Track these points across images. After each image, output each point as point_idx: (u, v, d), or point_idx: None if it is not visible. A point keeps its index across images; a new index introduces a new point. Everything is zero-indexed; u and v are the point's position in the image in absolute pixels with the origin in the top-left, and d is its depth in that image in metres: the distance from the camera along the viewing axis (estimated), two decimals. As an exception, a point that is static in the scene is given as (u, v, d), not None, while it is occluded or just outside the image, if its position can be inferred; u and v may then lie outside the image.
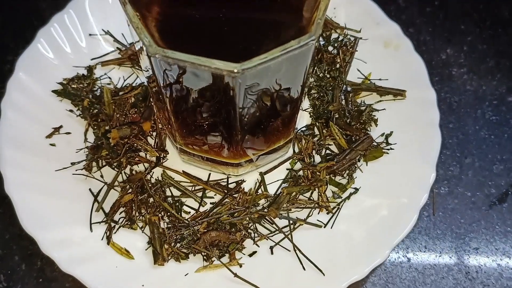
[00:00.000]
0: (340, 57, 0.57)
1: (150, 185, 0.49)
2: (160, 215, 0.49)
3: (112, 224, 0.48)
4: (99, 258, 0.46)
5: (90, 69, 0.56)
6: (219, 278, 0.46)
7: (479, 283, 0.49)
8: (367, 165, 0.52)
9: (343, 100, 0.55)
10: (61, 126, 0.53)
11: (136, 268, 0.46)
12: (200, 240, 0.46)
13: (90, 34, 0.58)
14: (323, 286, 0.45)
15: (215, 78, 0.39)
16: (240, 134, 0.46)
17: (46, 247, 0.45)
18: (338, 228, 0.49)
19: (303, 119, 0.55)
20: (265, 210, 0.48)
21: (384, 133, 0.53)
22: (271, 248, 0.48)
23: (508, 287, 0.49)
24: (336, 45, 0.58)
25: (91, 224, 0.48)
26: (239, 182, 0.51)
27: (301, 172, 0.51)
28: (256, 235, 0.48)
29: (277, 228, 0.48)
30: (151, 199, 0.49)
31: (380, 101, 0.55)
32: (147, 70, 0.46)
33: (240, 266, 0.46)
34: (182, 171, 0.51)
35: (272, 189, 0.51)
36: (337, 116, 0.54)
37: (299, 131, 0.54)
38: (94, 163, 0.51)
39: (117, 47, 0.58)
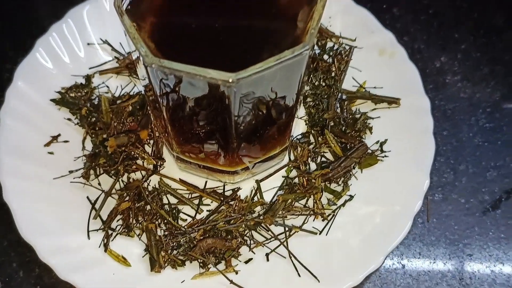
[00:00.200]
0: (335, 65, 0.57)
1: (147, 192, 0.50)
2: (157, 222, 0.49)
3: (110, 232, 0.48)
4: (96, 265, 0.46)
5: (88, 78, 0.57)
6: (216, 285, 0.46)
7: (473, 289, 0.50)
8: (362, 173, 0.53)
9: (338, 108, 0.56)
10: (59, 135, 0.53)
11: (133, 275, 0.46)
12: (196, 247, 0.47)
13: (88, 44, 0.59)
14: (319, 292, 0.45)
15: (210, 87, 0.39)
16: (236, 142, 0.47)
17: (43, 254, 0.46)
18: (333, 235, 0.49)
19: (299, 127, 0.55)
20: (261, 217, 0.49)
21: (378, 140, 0.54)
22: (267, 255, 0.48)
23: (501, 293, 0.50)
24: (331, 53, 0.59)
25: (88, 231, 0.48)
26: (235, 189, 0.51)
27: (296, 180, 0.52)
28: (252, 242, 0.48)
29: (272, 235, 0.49)
30: (148, 207, 0.50)
31: (375, 109, 0.56)
32: (144, 79, 0.46)
33: (236, 273, 0.47)
34: (179, 178, 0.52)
35: (268, 197, 0.51)
36: (332, 124, 0.55)
37: (295, 139, 0.54)
38: (91, 171, 0.51)
39: (115, 56, 0.58)
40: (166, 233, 0.49)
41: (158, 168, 0.52)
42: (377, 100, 0.56)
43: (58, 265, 0.45)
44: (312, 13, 0.43)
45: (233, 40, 0.44)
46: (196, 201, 0.51)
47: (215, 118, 0.44)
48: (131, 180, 0.51)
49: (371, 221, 0.49)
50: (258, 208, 0.50)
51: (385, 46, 0.59)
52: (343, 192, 0.51)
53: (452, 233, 0.53)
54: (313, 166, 0.53)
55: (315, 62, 0.58)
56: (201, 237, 0.47)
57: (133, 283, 0.46)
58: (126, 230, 0.49)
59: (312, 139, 0.55)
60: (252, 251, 0.48)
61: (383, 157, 0.53)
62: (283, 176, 0.53)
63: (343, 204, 0.51)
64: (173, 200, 0.51)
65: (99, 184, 0.51)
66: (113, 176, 0.51)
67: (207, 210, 0.50)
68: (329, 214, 0.50)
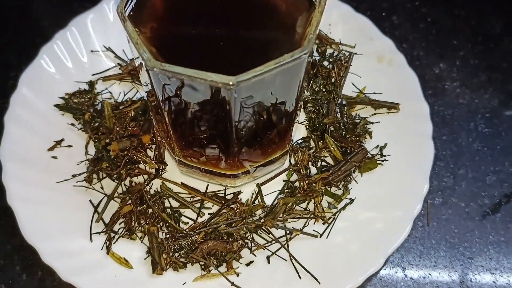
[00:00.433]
0: (335, 71, 0.58)
1: (149, 196, 0.50)
2: (158, 225, 0.49)
3: (112, 235, 0.49)
4: (98, 268, 0.47)
5: (91, 84, 0.57)
6: (217, 287, 0.46)
7: (473, 292, 0.50)
8: (362, 176, 0.53)
9: (338, 113, 0.57)
10: (62, 139, 0.54)
11: (135, 277, 0.47)
12: (197, 249, 0.47)
13: (91, 51, 0.60)
14: (319, 294, 0.46)
15: (211, 92, 0.40)
16: (237, 146, 0.47)
17: (46, 257, 0.46)
18: (334, 238, 0.49)
19: (299, 131, 0.56)
20: (262, 220, 0.49)
21: (378, 145, 0.54)
22: (268, 257, 0.48)
23: (502, 296, 0.50)
24: (331, 60, 0.59)
25: (91, 234, 0.49)
26: (236, 193, 0.52)
27: (297, 183, 0.52)
28: (253, 245, 0.49)
29: (273, 238, 0.49)
30: (150, 210, 0.50)
31: (375, 114, 0.57)
32: (147, 85, 0.47)
33: (237, 275, 0.47)
34: (181, 182, 0.52)
35: (268, 200, 0.52)
36: (332, 128, 0.55)
37: (295, 143, 0.55)
38: (94, 175, 0.52)
39: (118, 63, 0.59)
40: (168, 236, 0.49)
41: (160, 172, 0.52)
42: (377, 105, 0.57)
43: (61, 267, 0.46)
44: (310, 19, 0.43)
45: (233, 46, 0.44)
46: (198, 205, 0.51)
47: (216, 123, 0.45)
48: (133, 184, 0.52)
49: (371, 224, 0.50)
50: (259, 212, 0.51)
51: (384, 52, 0.59)
52: (343, 195, 0.52)
53: (452, 236, 0.53)
54: (313, 170, 0.54)
55: (315, 68, 0.59)
56: (203, 240, 0.48)
57: (135, 285, 0.46)
58: (128, 233, 0.49)
59: (312, 143, 0.55)
60: (253, 254, 0.48)
61: (382, 161, 0.53)
62: (283, 180, 0.53)
63: (344, 208, 0.51)
64: (175, 204, 0.51)
65: (102, 188, 0.51)
66: (115, 180, 0.52)
67: (208, 214, 0.51)
68: (330, 218, 0.51)
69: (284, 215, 0.50)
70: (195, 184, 0.53)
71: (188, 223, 0.51)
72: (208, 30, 0.45)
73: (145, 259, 0.48)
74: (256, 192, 0.52)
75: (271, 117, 0.47)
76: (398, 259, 0.52)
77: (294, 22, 0.45)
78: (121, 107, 0.55)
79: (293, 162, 0.54)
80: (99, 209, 0.50)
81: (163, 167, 0.53)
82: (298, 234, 0.50)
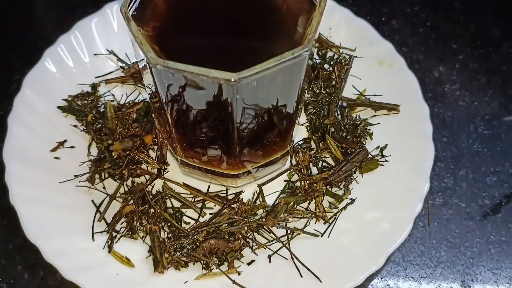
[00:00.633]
0: (335, 73, 0.59)
1: (151, 196, 0.51)
2: (160, 225, 0.50)
3: (114, 234, 0.49)
4: (100, 266, 0.47)
5: (94, 86, 0.58)
6: (218, 286, 0.47)
7: (475, 292, 0.50)
8: (362, 177, 0.53)
9: (339, 115, 0.57)
10: (65, 141, 0.55)
11: (136, 275, 0.47)
12: (199, 248, 0.47)
13: (94, 54, 0.60)
14: (320, 292, 0.46)
15: (214, 91, 0.41)
16: (238, 147, 0.48)
17: (48, 255, 0.46)
18: (335, 237, 0.50)
19: (300, 133, 0.56)
20: (263, 219, 0.50)
21: (379, 146, 0.55)
22: (269, 256, 0.49)
23: (503, 296, 0.50)
24: (331, 63, 0.60)
25: (93, 233, 0.49)
26: (238, 193, 0.52)
27: (298, 183, 0.52)
28: (254, 244, 0.49)
29: (275, 237, 0.49)
30: (152, 210, 0.50)
31: (375, 115, 0.57)
32: (150, 87, 0.48)
33: (239, 274, 0.47)
34: (183, 183, 0.53)
35: (270, 201, 0.52)
36: (333, 130, 0.56)
37: (296, 144, 0.55)
38: (96, 175, 0.52)
39: (121, 66, 0.60)
40: (170, 235, 0.49)
41: (162, 172, 0.53)
42: (377, 107, 0.57)
43: (63, 266, 0.46)
44: (310, 19, 0.44)
45: (234, 45, 0.45)
46: (199, 205, 0.52)
47: (218, 123, 0.46)
48: (135, 184, 0.52)
49: (372, 223, 0.50)
50: (260, 211, 0.51)
51: (384, 55, 0.60)
52: (344, 195, 0.52)
53: (453, 236, 0.53)
54: (314, 171, 0.54)
55: (315, 71, 0.59)
56: (204, 239, 0.48)
57: (137, 283, 0.46)
58: (130, 233, 0.49)
59: (313, 144, 0.55)
60: (255, 253, 0.49)
61: (383, 161, 0.54)
62: (285, 180, 0.53)
63: (345, 207, 0.51)
64: (177, 204, 0.52)
65: (104, 188, 0.52)
66: (117, 180, 0.52)
67: (210, 214, 0.51)
68: (331, 217, 0.51)
69: (286, 214, 0.51)
70: (197, 184, 0.53)
71: (189, 223, 0.51)
72: (210, 30, 0.45)
73: (146, 258, 0.48)
74: (258, 192, 0.52)
75: (272, 117, 0.47)
76: (399, 259, 0.52)
77: (294, 23, 0.46)
78: (123, 109, 0.56)
79: (294, 163, 0.55)
80: (101, 209, 0.50)
81: (165, 167, 0.53)
82: (299, 234, 0.50)
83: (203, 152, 0.50)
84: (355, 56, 0.60)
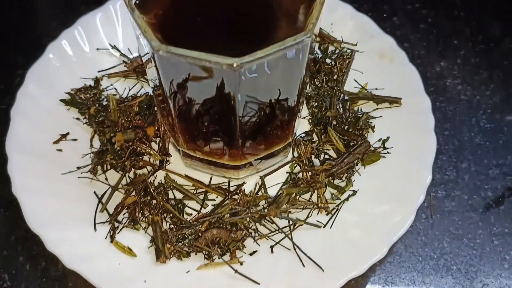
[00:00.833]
0: (337, 67, 0.59)
1: (153, 188, 0.51)
2: (162, 216, 0.50)
3: (116, 224, 0.49)
4: (102, 256, 0.47)
5: (97, 80, 0.58)
6: (220, 275, 0.46)
7: (479, 282, 0.50)
8: (365, 169, 0.53)
9: (341, 109, 0.57)
10: (68, 133, 0.55)
11: (138, 265, 0.47)
12: (201, 237, 0.47)
13: (97, 49, 0.61)
14: (323, 281, 0.46)
15: (217, 81, 0.41)
16: (241, 138, 0.48)
17: (50, 245, 0.46)
18: (337, 228, 0.50)
19: (302, 126, 0.56)
20: (265, 210, 0.50)
21: (381, 138, 0.55)
22: (272, 247, 0.48)
23: (507, 287, 0.49)
24: (333, 57, 0.60)
25: (95, 223, 0.49)
26: (240, 184, 0.52)
27: (300, 175, 0.52)
28: (256, 234, 0.49)
29: (277, 228, 0.49)
30: (154, 201, 0.50)
31: (377, 109, 0.57)
32: (153, 81, 0.48)
33: (241, 264, 0.47)
34: (185, 174, 0.53)
35: (272, 192, 0.52)
36: (334, 123, 0.56)
37: (298, 136, 0.55)
38: (99, 167, 0.52)
39: (123, 61, 0.60)
40: (172, 226, 0.49)
41: (164, 164, 0.53)
42: (379, 100, 0.57)
43: (65, 255, 0.46)
44: (312, 9, 0.44)
45: (236, 34, 0.45)
46: (201, 196, 0.52)
47: (221, 113, 0.46)
48: (137, 175, 0.52)
49: (375, 214, 0.50)
50: (262, 203, 0.51)
51: (386, 50, 0.60)
52: (347, 187, 0.52)
53: (456, 228, 0.53)
54: (316, 163, 0.54)
55: (317, 65, 0.59)
56: (206, 228, 0.48)
57: (139, 272, 0.46)
58: (132, 223, 0.49)
59: (315, 137, 0.56)
60: (257, 243, 0.48)
61: (385, 153, 0.54)
62: (287, 172, 0.53)
63: (347, 199, 0.51)
64: (179, 195, 0.52)
65: (106, 179, 0.52)
66: (120, 172, 0.52)
67: (212, 205, 0.51)
68: (333, 208, 0.51)
69: (288, 205, 0.50)
70: (199, 176, 0.53)
71: (191, 214, 0.51)
72: (212, 19, 0.46)
73: (148, 248, 0.48)
74: (260, 183, 0.52)
75: (275, 107, 0.47)
76: (402, 250, 0.51)
77: (296, 13, 0.46)
78: (126, 102, 0.56)
79: (296, 155, 0.55)
80: (103, 200, 0.50)
81: (167, 158, 0.53)
82: (301, 225, 0.50)
83: (205, 143, 0.50)
84: (357, 51, 0.61)
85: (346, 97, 0.58)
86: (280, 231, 0.49)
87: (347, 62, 0.59)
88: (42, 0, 0.72)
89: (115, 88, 0.58)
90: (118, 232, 0.49)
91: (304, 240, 0.48)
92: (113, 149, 0.52)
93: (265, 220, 0.50)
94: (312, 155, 0.54)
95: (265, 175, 0.53)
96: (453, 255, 0.51)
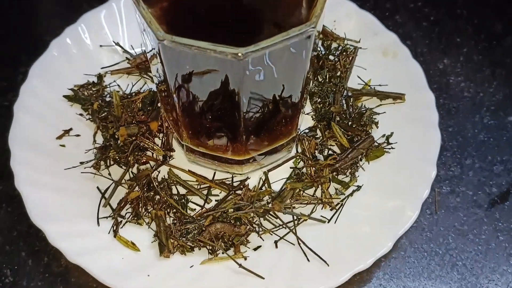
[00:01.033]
0: (340, 63, 0.59)
1: (156, 183, 0.50)
2: (166, 211, 0.49)
3: (119, 219, 0.49)
4: (105, 250, 0.46)
5: (100, 76, 0.58)
6: (224, 270, 0.46)
7: (484, 278, 0.49)
8: (369, 164, 0.53)
9: (344, 105, 0.57)
10: (71, 129, 0.54)
11: (142, 259, 0.46)
12: (205, 231, 0.47)
13: (100, 45, 0.61)
14: (328, 276, 0.45)
15: (222, 72, 0.41)
16: (245, 134, 0.48)
17: (53, 238, 0.46)
18: (342, 223, 0.49)
19: (306, 122, 0.56)
20: (269, 204, 0.49)
21: (385, 134, 0.55)
22: (276, 242, 0.48)
23: (513, 282, 0.49)
24: (336, 53, 0.60)
25: (98, 218, 0.49)
26: (244, 179, 0.52)
27: (304, 170, 0.52)
28: (260, 229, 0.49)
29: (281, 223, 0.49)
30: (157, 197, 0.50)
31: (380, 105, 0.57)
32: (158, 77, 0.48)
33: (245, 258, 0.47)
34: (188, 169, 0.52)
35: (276, 188, 0.52)
36: (338, 119, 0.56)
37: (302, 132, 0.55)
38: (102, 162, 0.52)
39: (126, 57, 0.60)
40: (175, 221, 0.49)
41: (168, 159, 0.52)
42: (382, 96, 0.57)
43: (67, 249, 0.45)
44: (315, 3, 0.44)
45: (241, 27, 0.45)
46: (205, 192, 0.51)
47: (226, 106, 0.46)
48: (141, 171, 0.52)
49: (380, 209, 0.49)
50: (266, 198, 0.51)
51: (389, 46, 0.60)
52: (351, 182, 0.52)
53: (461, 224, 0.52)
54: (320, 159, 0.54)
55: (321, 61, 0.59)
56: (210, 223, 0.48)
57: (142, 267, 0.46)
58: (136, 218, 0.49)
59: (319, 133, 0.55)
60: (261, 238, 0.48)
61: (389, 149, 0.53)
62: (290, 167, 0.53)
63: (351, 194, 0.51)
64: (182, 191, 0.51)
65: (109, 174, 0.51)
66: (123, 167, 0.52)
67: (215, 200, 0.51)
68: (337, 204, 0.50)
69: (292, 200, 0.50)
70: (203, 172, 0.53)
71: (195, 209, 0.50)
72: (216, 12, 0.46)
73: (152, 242, 0.48)
74: (263, 179, 0.52)
75: (278, 101, 0.47)
76: (407, 246, 0.51)
77: (299, 6, 0.46)
78: (129, 97, 0.56)
79: (300, 151, 0.54)
80: (106, 195, 0.50)
81: (171, 153, 0.53)
82: (306, 220, 0.49)
83: (209, 137, 0.50)
84: (360, 47, 0.61)
85: (350, 93, 0.58)
86: (284, 226, 0.49)
87: (350, 58, 0.59)
88: (44, -1, 0.72)
89: (118, 85, 0.58)
90: (122, 227, 0.48)
91: (309, 235, 0.48)
92: (116, 144, 0.52)
93: (269, 215, 0.49)
94: (316, 151, 0.54)
95: (269, 170, 0.52)
96: (459, 251, 0.51)
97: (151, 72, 0.58)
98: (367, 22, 0.62)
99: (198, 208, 0.50)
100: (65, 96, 0.56)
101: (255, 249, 0.48)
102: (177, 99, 0.47)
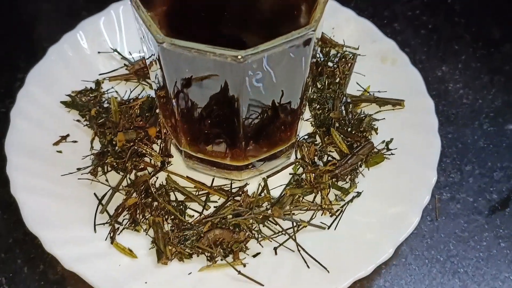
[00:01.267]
0: (339, 69, 0.59)
1: (154, 189, 0.50)
2: (164, 217, 0.49)
3: (116, 226, 0.48)
4: (102, 257, 0.46)
5: (98, 82, 0.58)
6: (223, 277, 0.45)
7: (486, 285, 0.49)
8: (368, 170, 0.53)
9: (343, 111, 0.57)
10: (68, 135, 0.54)
11: (139, 266, 0.46)
12: (203, 238, 0.46)
13: (98, 52, 0.60)
14: (328, 283, 0.45)
15: (221, 77, 0.41)
16: (244, 140, 0.47)
17: (49, 246, 0.45)
18: (342, 229, 0.49)
19: (305, 128, 0.56)
20: (269, 211, 0.49)
21: (384, 140, 0.54)
22: (275, 249, 0.47)
23: (515, 289, 0.48)
24: (335, 60, 0.60)
25: (95, 225, 0.48)
26: (243, 186, 0.51)
27: (304, 176, 0.52)
28: (259, 236, 0.48)
29: (281, 229, 0.48)
30: (155, 203, 0.49)
31: (380, 111, 0.57)
32: (156, 83, 0.48)
33: (244, 265, 0.46)
34: (186, 176, 0.52)
35: (275, 194, 0.51)
36: (337, 125, 0.55)
37: (301, 138, 0.55)
38: (99, 169, 0.51)
39: (124, 64, 0.60)
40: (173, 227, 0.48)
41: (166, 165, 0.52)
42: (382, 103, 0.57)
43: (64, 256, 0.45)
44: (315, 8, 0.44)
45: (240, 31, 0.45)
46: (203, 198, 0.51)
47: (226, 110, 0.45)
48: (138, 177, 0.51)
49: (380, 215, 0.49)
50: (265, 204, 0.50)
51: (388, 53, 0.60)
52: (351, 189, 0.51)
53: (461, 230, 0.52)
54: (320, 165, 0.53)
55: (320, 67, 0.59)
56: (209, 229, 0.47)
57: (140, 274, 0.45)
58: (133, 225, 0.48)
59: (318, 139, 0.55)
60: (260, 244, 0.47)
61: (389, 155, 0.53)
62: (290, 174, 0.53)
63: (351, 200, 0.50)
64: (180, 197, 0.51)
65: (107, 180, 0.51)
66: (120, 173, 0.51)
67: (214, 207, 0.50)
68: (337, 210, 0.50)
69: (291, 207, 0.50)
70: (201, 178, 0.52)
71: (193, 216, 0.50)
72: (216, 16, 0.45)
73: (150, 249, 0.47)
74: (263, 185, 0.51)
75: (278, 107, 0.47)
76: (407, 253, 0.51)
77: (299, 11, 0.46)
78: (127, 103, 0.55)
79: (299, 157, 0.54)
80: (104, 202, 0.50)
81: (169, 159, 0.52)
82: (305, 226, 0.49)
83: (208, 143, 0.49)
84: (359, 54, 0.61)
85: (349, 100, 0.58)
86: (284, 232, 0.48)
87: (349, 65, 0.59)
88: (43, 6, 0.71)
89: (116, 91, 0.58)
90: (119, 234, 0.48)
91: (308, 242, 0.48)
92: (114, 150, 0.51)
93: (269, 222, 0.49)
94: (316, 157, 0.53)
95: (268, 177, 0.52)
96: (460, 258, 0.50)
97: (149, 79, 0.58)
98: (365, 29, 0.62)
99: (196, 214, 0.50)
100: (62, 102, 0.56)
101: (254, 256, 0.47)
102: (176, 105, 0.47)
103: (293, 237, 0.48)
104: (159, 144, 0.54)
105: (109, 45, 0.61)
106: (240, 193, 0.51)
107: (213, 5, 0.46)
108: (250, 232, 0.48)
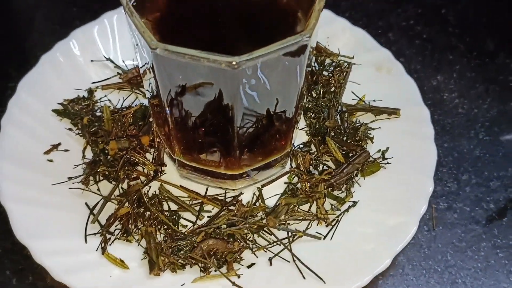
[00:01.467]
0: (334, 78, 0.58)
1: (147, 198, 0.49)
2: (156, 227, 0.48)
3: (108, 236, 0.47)
4: (92, 268, 0.44)
5: (90, 91, 0.57)
6: (217, 288, 0.44)
7: (485, 296, 0.48)
8: (364, 179, 0.52)
9: (339, 120, 0.56)
10: (59, 144, 0.53)
11: (131, 278, 0.45)
12: (197, 248, 0.45)
13: (92, 60, 0.60)
14: (324, 294, 0.44)
15: (215, 93, 0.40)
16: (238, 149, 0.47)
17: (38, 256, 0.44)
18: (338, 239, 0.48)
19: (300, 137, 0.55)
20: (264, 220, 0.48)
21: (380, 149, 0.54)
22: (270, 259, 0.47)
23: (514, 300, 0.48)
24: (330, 69, 0.60)
25: (86, 235, 0.47)
26: (237, 195, 0.51)
27: (299, 185, 0.51)
28: (254, 246, 0.47)
29: (276, 239, 0.47)
30: (148, 213, 0.49)
31: (375, 120, 0.57)
32: (150, 91, 0.47)
33: (238, 276, 0.45)
34: (180, 185, 0.51)
35: (270, 204, 0.50)
36: (333, 134, 0.55)
37: (296, 147, 0.54)
38: (91, 178, 0.50)
39: (118, 72, 0.59)
40: (166, 238, 0.47)
41: (159, 174, 0.51)
42: (377, 112, 0.57)
43: (53, 267, 0.43)
44: (310, 14, 0.44)
45: (235, 37, 0.45)
46: (197, 208, 0.50)
47: (220, 119, 0.45)
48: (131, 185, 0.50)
49: (377, 225, 0.48)
50: (260, 214, 0.49)
51: (383, 62, 0.60)
52: (347, 198, 0.51)
53: (459, 240, 0.51)
54: (315, 173, 0.52)
55: (314, 76, 0.59)
56: (203, 239, 0.46)
57: (131, 285, 0.44)
58: (125, 235, 0.47)
59: (313, 148, 0.54)
60: (255, 255, 0.47)
61: (385, 164, 0.53)
62: (285, 183, 0.52)
63: (347, 210, 0.50)
64: (174, 207, 0.50)
65: (98, 190, 0.50)
66: (113, 182, 0.50)
67: (208, 216, 0.49)
68: (333, 220, 0.49)
69: (286, 216, 0.49)
70: (195, 187, 0.51)
71: (187, 226, 0.49)
72: (210, 21, 0.45)
73: (142, 260, 0.46)
74: (257, 195, 0.51)
75: (273, 116, 0.46)
76: (405, 263, 0.50)
77: (294, 18, 0.46)
78: (120, 112, 0.54)
79: (294, 166, 0.53)
80: (95, 211, 0.49)
81: (162, 168, 0.51)
82: (301, 236, 0.48)
83: (202, 151, 0.48)
84: (354, 63, 0.60)
85: (344, 109, 0.57)
86: (279, 242, 0.47)
87: (344, 74, 0.59)
88: (36, 15, 0.71)
89: (109, 100, 0.57)
90: (110, 244, 0.47)
91: (304, 252, 0.47)
92: (106, 159, 0.51)
93: (263, 231, 0.48)
94: (311, 166, 0.53)
95: (263, 186, 0.51)
96: (458, 268, 0.50)
97: (143, 88, 0.57)
98: (360, 39, 0.62)
99: (190, 224, 0.49)
100: (54, 111, 0.55)
101: (248, 267, 0.46)
102: (170, 113, 0.46)
103: (289, 247, 0.47)
104: (152, 153, 0.53)
105: (102, 54, 0.60)
106: (235, 202, 0.50)
107: (207, 13, 0.46)
108: (245, 242, 0.47)
